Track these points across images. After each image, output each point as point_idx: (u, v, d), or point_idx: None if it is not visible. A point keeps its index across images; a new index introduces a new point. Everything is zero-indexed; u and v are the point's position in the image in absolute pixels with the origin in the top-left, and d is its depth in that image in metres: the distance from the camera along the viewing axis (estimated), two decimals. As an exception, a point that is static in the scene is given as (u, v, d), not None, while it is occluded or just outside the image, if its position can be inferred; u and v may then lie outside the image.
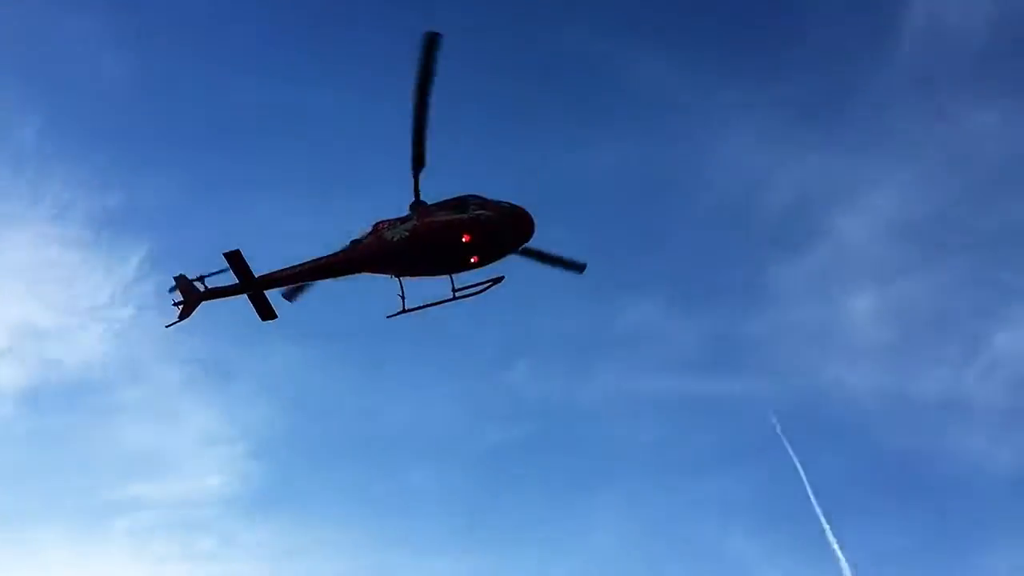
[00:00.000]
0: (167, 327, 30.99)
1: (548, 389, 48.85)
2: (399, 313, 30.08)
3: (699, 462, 48.05)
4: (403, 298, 30.15)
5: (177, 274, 30.97)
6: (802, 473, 39.40)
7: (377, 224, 30.54)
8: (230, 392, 56.65)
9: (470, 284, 30.20)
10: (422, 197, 29.98)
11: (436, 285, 30.48)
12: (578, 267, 32.86)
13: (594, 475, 48.16)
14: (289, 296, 32.21)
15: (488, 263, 30.26)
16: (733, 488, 46.61)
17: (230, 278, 30.41)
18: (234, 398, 56.27)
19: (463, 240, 29.38)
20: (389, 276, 30.41)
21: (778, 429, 39.68)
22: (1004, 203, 45.46)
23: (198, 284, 30.88)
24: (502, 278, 30.37)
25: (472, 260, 29.83)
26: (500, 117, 55.95)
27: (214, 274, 30.80)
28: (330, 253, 30.67)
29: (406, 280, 30.27)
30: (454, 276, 30.19)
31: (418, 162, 28.98)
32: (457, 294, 30.17)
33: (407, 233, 29.75)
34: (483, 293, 30.31)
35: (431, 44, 26.56)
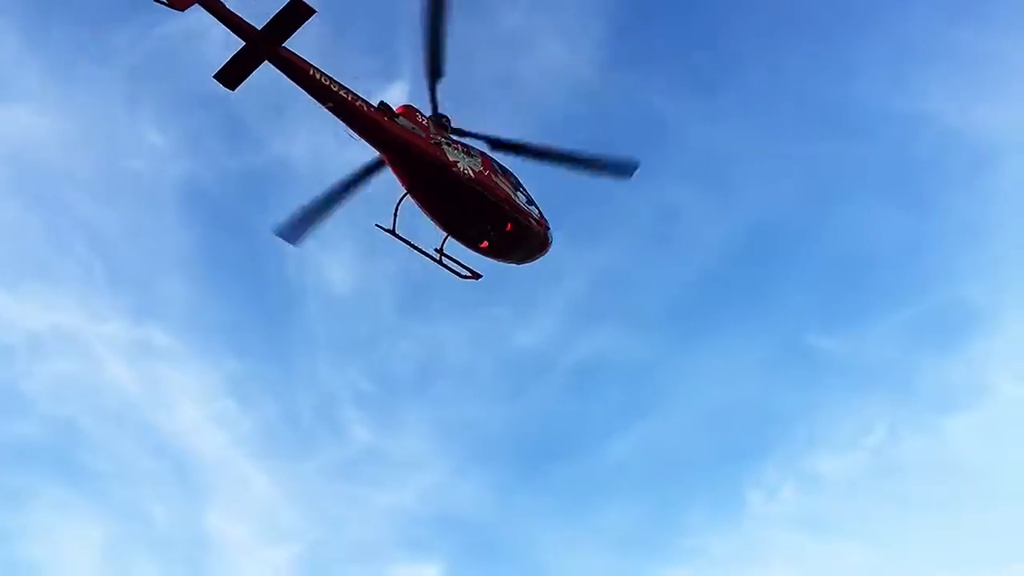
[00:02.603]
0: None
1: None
2: (388, 231, 26.40)
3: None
4: (396, 216, 26.38)
5: None
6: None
7: (411, 110, 26.02)
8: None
9: (457, 260, 27.74)
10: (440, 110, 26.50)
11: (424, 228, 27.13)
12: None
13: None
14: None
15: (487, 255, 27.79)
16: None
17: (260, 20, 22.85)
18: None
19: (505, 225, 26.85)
20: (401, 185, 26.26)
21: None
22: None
23: None
24: (480, 277, 27.84)
25: (482, 244, 27.29)
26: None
27: None
28: (364, 100, 24.70)
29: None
30: (447, 239, 27.15)
31: (434, 72, 25.42)
32: (443, 259, 27.20)
33: (472, 174, 26.34)
34: (456, 278, 27.51)
35: None
